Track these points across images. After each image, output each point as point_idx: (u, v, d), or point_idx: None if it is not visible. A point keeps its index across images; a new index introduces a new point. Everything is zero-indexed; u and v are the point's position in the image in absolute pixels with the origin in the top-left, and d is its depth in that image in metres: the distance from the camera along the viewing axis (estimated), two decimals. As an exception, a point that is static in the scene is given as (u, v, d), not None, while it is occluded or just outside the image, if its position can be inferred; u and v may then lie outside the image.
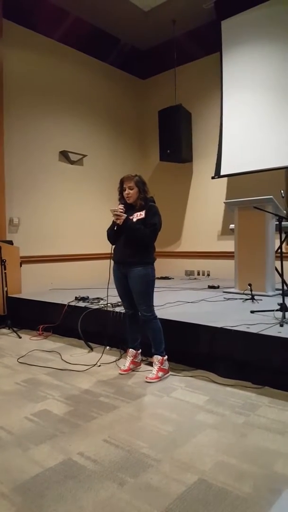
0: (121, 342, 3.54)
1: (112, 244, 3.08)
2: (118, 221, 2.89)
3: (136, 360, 3.16)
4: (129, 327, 3.18)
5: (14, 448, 1.98)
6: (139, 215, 2.94)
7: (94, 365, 3.23)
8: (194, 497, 1.58)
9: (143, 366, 3.18)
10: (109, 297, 3.38)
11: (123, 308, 3.67)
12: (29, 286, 5.36)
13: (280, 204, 4.39)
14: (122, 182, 3.01)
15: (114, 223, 2.96)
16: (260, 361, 2.77)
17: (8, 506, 1.55)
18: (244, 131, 5.85)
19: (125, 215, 2.89)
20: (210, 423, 2.22)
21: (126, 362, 3.15)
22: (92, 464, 1.83)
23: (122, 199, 3.04)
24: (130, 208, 2.99)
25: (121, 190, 3.03)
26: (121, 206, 2.95)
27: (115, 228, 2.98)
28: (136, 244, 2.92)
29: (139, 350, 3.18)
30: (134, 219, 2.92)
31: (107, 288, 3.14)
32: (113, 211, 2.90)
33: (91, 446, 1.99)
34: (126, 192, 2.98)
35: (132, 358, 3.14)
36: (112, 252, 3.09)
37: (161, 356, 2.95)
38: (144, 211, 2.94)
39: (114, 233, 3.00)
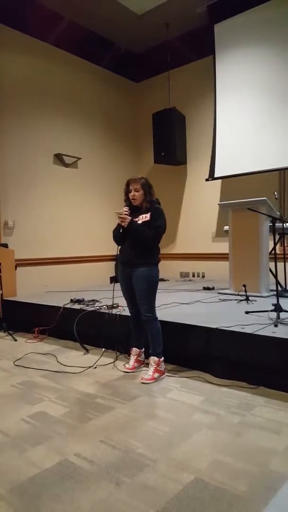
0: (116, 344, 3.55)
1: (118, 245, 3.12)
2: (123, 224, 2.92)
3: (140, 359, 3.20)
4: (133, 327, 3.20)
5: (10, 450, 1.99)
6: (144, 217, 2.96)
7: (90, 367, 3.23)
8: (190, 496, 1.59)
9: (140, 367, 3.19)
10: (110, 298, 3.40)
11: (119, 310, 3.72)
12: (24, 289, 5.35)
13: (274, 206, 4.43)
14: (128, 184, 3.03)
15: (119, 225, 2.98)
16: (255, 361, 2.79)
17: (5, 507, 1.55)
18: (238, 133, 5.89)
19: (130, 218, 2.91)
20: (206, 423, 2.23)
21: (131, 360, 3.19)
22: (89, 464, 1.84)
23: (127, 201, 3.06)
24: (136, 210, 3.01)
25: (127, 191, 3.04)
26: (126, 209, 2.96)
27: (120, 230, 3.00)
28: (141, 246, 2.95)
29: (142, 349, 3.22)
30: (139, 221, 2.95)
31: (113, 290, 3.19)
32: (118, 213, 2.92)
33: (88, 447, 2.00)
34: (131, 194, 3.00)
35: (136, 356, 3.18)
36: (118, 253, 3.12)
37: (158, 357, 2.97)
38: (149, 214, 2.96)
39: (120, 235, 3.02)
